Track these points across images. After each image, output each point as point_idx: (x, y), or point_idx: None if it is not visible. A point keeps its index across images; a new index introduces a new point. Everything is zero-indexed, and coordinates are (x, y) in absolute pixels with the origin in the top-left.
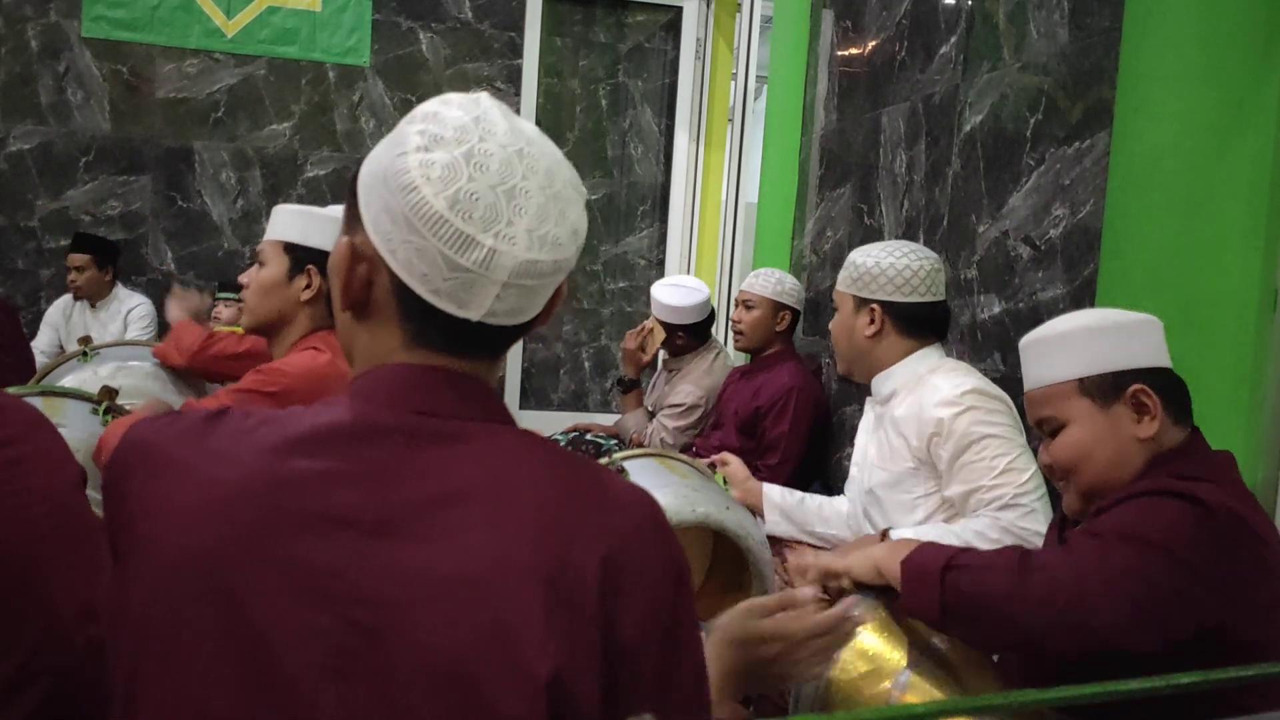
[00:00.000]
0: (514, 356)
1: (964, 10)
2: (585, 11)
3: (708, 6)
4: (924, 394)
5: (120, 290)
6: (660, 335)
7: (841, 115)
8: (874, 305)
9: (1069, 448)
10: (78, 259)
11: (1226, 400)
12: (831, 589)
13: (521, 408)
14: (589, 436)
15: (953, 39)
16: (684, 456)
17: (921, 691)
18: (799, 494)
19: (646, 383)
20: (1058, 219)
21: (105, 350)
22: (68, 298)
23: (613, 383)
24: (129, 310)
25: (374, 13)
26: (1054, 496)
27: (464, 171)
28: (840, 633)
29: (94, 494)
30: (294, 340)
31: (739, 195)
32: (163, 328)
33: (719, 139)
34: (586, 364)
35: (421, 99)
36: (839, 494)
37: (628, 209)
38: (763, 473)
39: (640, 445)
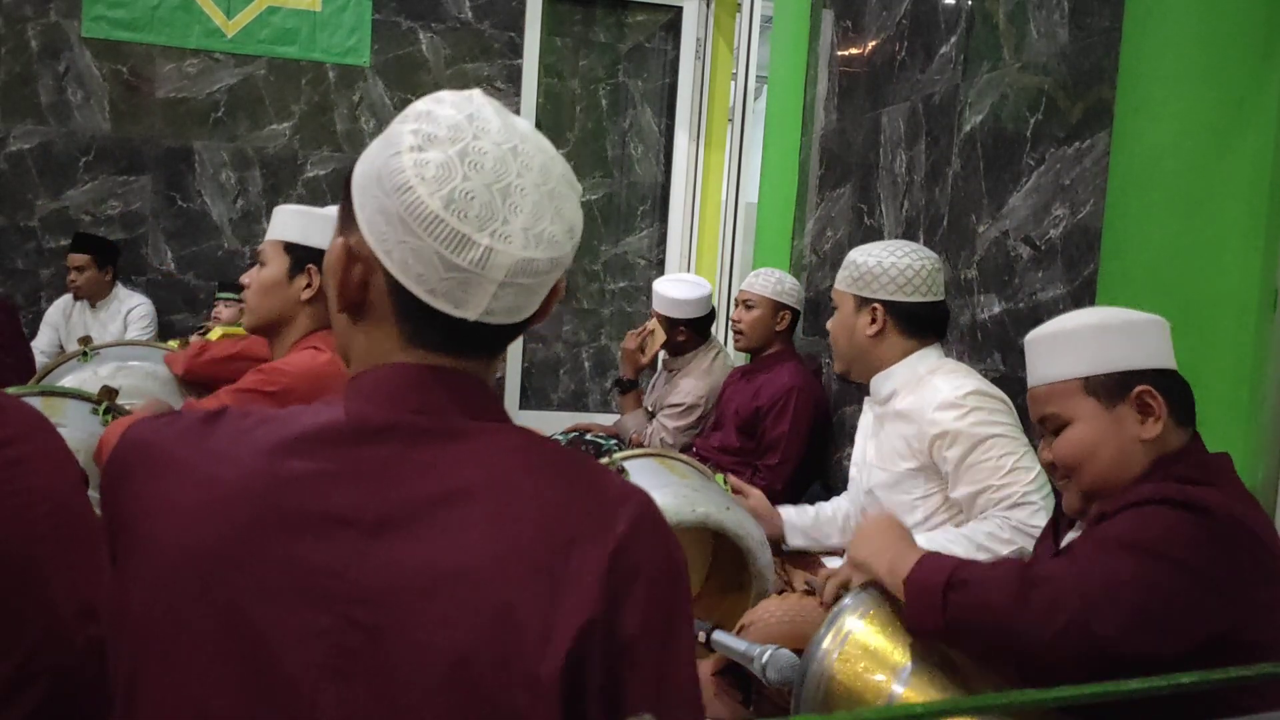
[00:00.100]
0: (514, 356)
1: (964, 10)
2: (585, 11)
3: (708, 6)
4: (924, 395)
5: (120, 290)
6: (660, 337)
7: (841, 115)
8: (876, 305)
9: (1072, 446)
10: (78, 259)
11: (1226, 400)
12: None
13: (521, 408)
14: (589, 436)
15: (953, 39)
16: (684, 456)
17: (923, 689)
18: (811, 510)
19: (646, 383)
20: (1058, 219)
21: (105, 350)
22: (68, 298)
23: (612, 383)
24: (129, 310)
25: (374, 13)
26: (1055, 496)
27: (459, 170)
28: None
29: (94, 494)
30: (295, 340)
31: (739, 195)
32: (163, 328)
33: (719, 139)
34: (586, 364)
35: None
36: (839, 493)
37: (628, 209)
38: (762, 473)
39: (640, 445)
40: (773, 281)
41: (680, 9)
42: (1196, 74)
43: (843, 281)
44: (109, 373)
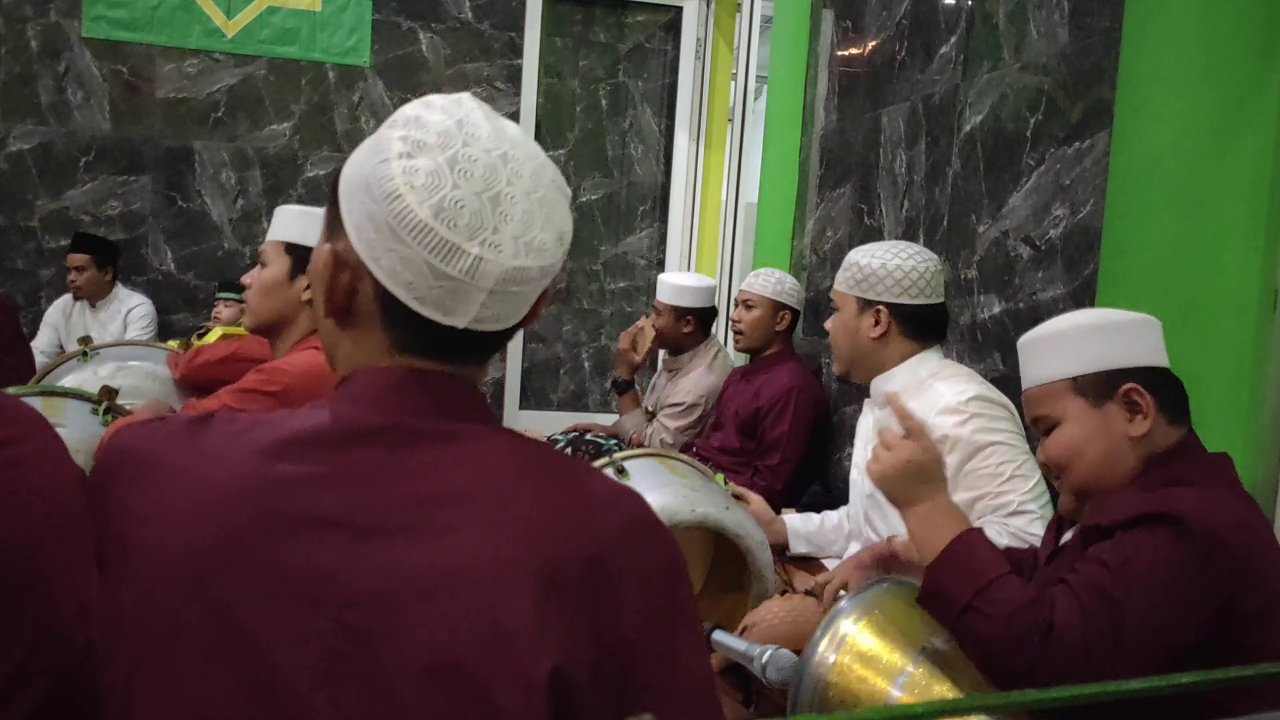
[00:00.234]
0: (514, 356)
1: (964, 10)
2: (585, 11)
3: (708, 6)
4: (926, 400)
5: (120, 290)
6: (650, 333)
7: (841, 115)
8: (880, 307)
9: (1061, 446)
10: (78, 259)
11: (1226, 400)
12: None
13: (521, 408)
14: (589, 436)
15: (953, 39)
16: (684, 456)
17: (920, 691)
18: (816, 518)
19: (646, 383)
20: (1058, 219)
21: (105, 350)
22: (68, 298)
23: (609, 384)
24: (129, 310)
25: (374, 13)
26: (1053, 497)
27: (448, 179)
28: None
29: None
30: (295, 340)
31: (739, 195)
32: (163, 328)
33: (719, 139)
34: (586, 364)
35: None
36: (839, 493)
37: (628, 209)
38: (762, 473)
39: (640, 445)
40: (773, 281)
41: (680, 9)
42: (1196, 74)
43: (844, 283)
44: (109, 373)
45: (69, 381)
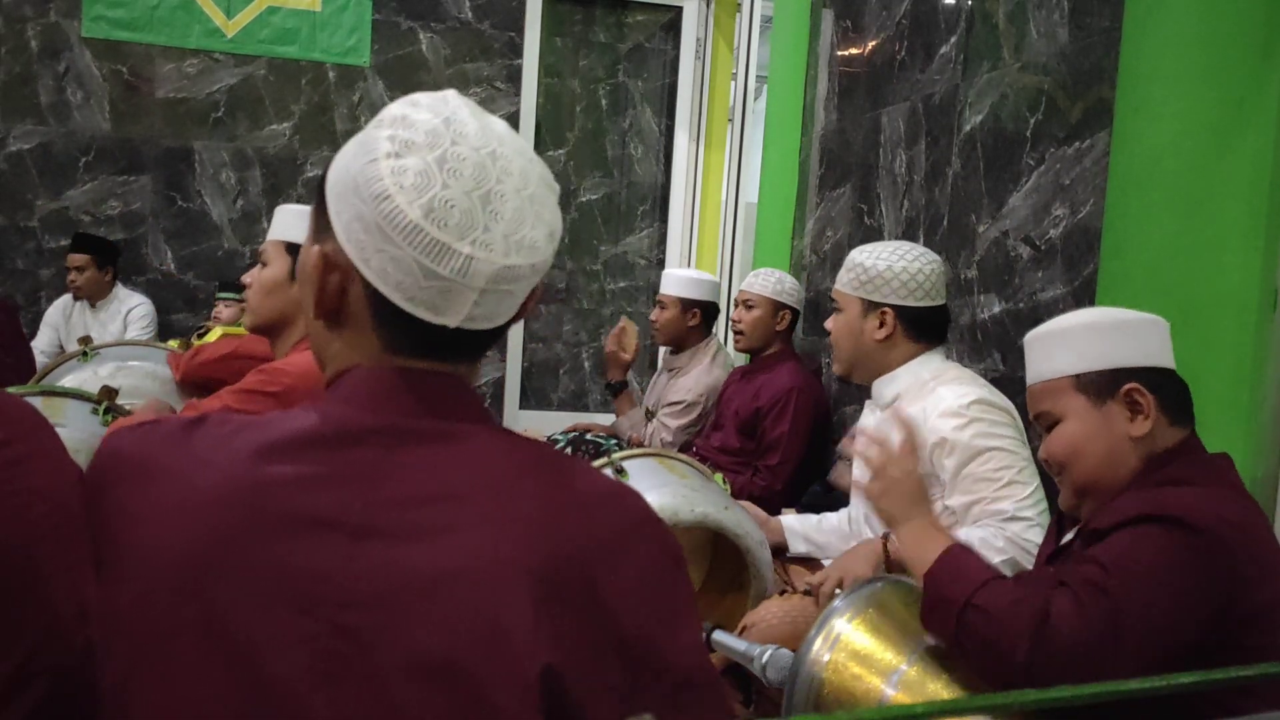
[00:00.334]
0: (514, 356)
1: (964, 10)
2: (585, 11)
3: (708, 6)
4: (928, 403)
5: (120, 290)
6: (634, 329)
7: (841, 115)
8: (886, 309)
9: (1062, 442)
10: (78, 259)
11: (1226, 400)
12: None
13: (521, 408)
14: (589, 436)
15: (953, 39)
16: (684, 456)
17: (916, 691)
18: (814, 517)
19: (645, 382)
20: (1058, 219)
21: (105, 350)
22: (68, 298)
23: (604, 387)
24: (129, 310)
25: (374, 13)
26: (1051, 499)
27: (438, 178)
28: None
29: None
30: (296, 340)
31: (739, 195)
32: (163, 328)
33: (719, 139)
34: (586, 364)
35: None
36: (839, 494)
37: (628, 209)
38: (762, 473)
39: (639, 445)
40: (772, 281)
41: (680, 9)
42: (1196, 74)
43: (848, 284)
44: (109, 373)
45: (69, 381)
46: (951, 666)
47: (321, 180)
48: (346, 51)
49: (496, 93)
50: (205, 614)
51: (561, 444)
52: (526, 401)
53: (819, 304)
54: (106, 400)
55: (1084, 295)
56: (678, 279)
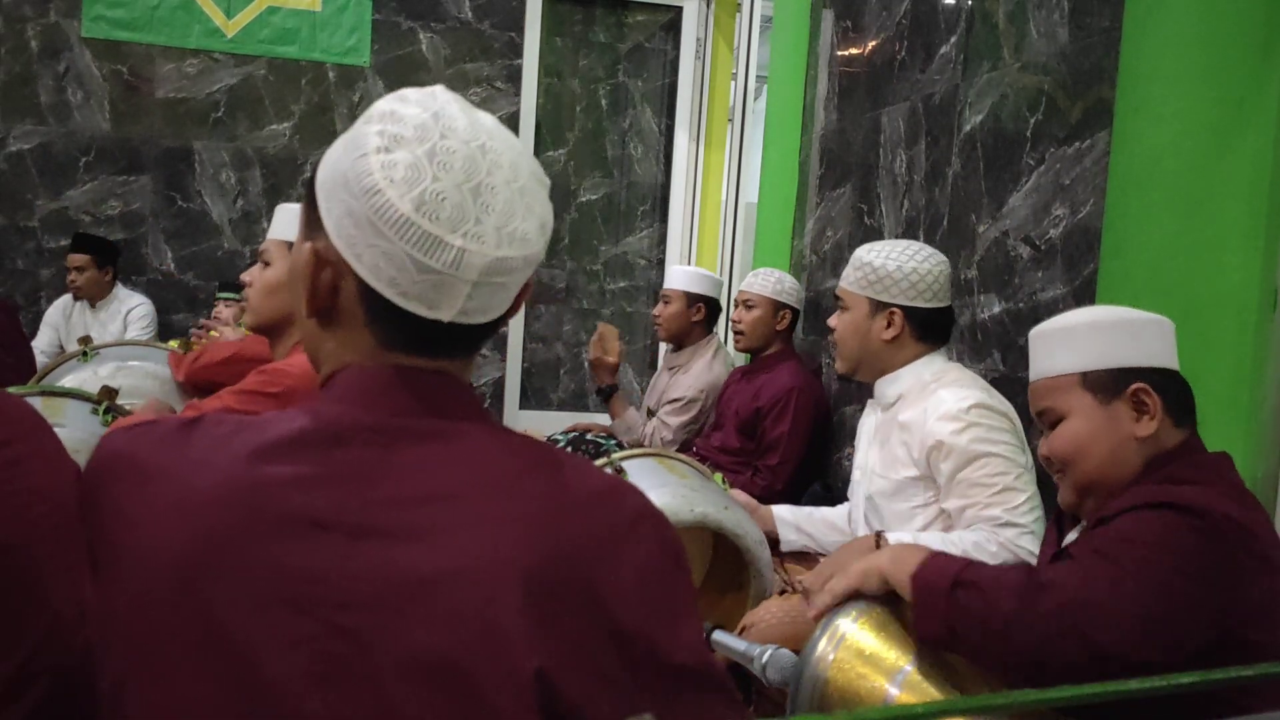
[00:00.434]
0: (514, 356)
1: (964, 10)
2: (585, 11)
3: (708, 6)
4: (929, 405)
5: (120, 290)
6: (614, 331)
7: (841, 115)
8: (894, 310)
9: (1066, 440)
10: (77, 259)
11: (1226, 400)
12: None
13: (521, 408)
14: (589, 436)
15: (953, 39)
16: (683, 456)
17: (920, 690)
18: (806, 509)
19: (645, 382)
20: (1058, 219)
21: (105, 350)
22: (68, 298)
23: (595, 392)
24: (129, 310)
25: (374, 13)
26: (1049, 501)
27: (428, 171)
28: None
29: None
30: (297, 340)
31: (739, 195)
32: (163, 328)
33: (719, 139)
34: (586, 364)
35: None
36: (839, 493)
37: (628, 209)
38: (762, 473)
39: (639, 445)
40: (772, 281)
41: (680, 9)
42: (1196, 74)
43: (855, 283)
44: (109, 373)
45: (69, 381)
46: (957, 667)
47: (311, 178)
48: (346, 51)
49: (496, 93)
50: (202, 615)
51: (562, 444)
52: (526, 401)
53: (819, 304)
54: (106, 400)
55: (1084, 295)
56: (684, 274)
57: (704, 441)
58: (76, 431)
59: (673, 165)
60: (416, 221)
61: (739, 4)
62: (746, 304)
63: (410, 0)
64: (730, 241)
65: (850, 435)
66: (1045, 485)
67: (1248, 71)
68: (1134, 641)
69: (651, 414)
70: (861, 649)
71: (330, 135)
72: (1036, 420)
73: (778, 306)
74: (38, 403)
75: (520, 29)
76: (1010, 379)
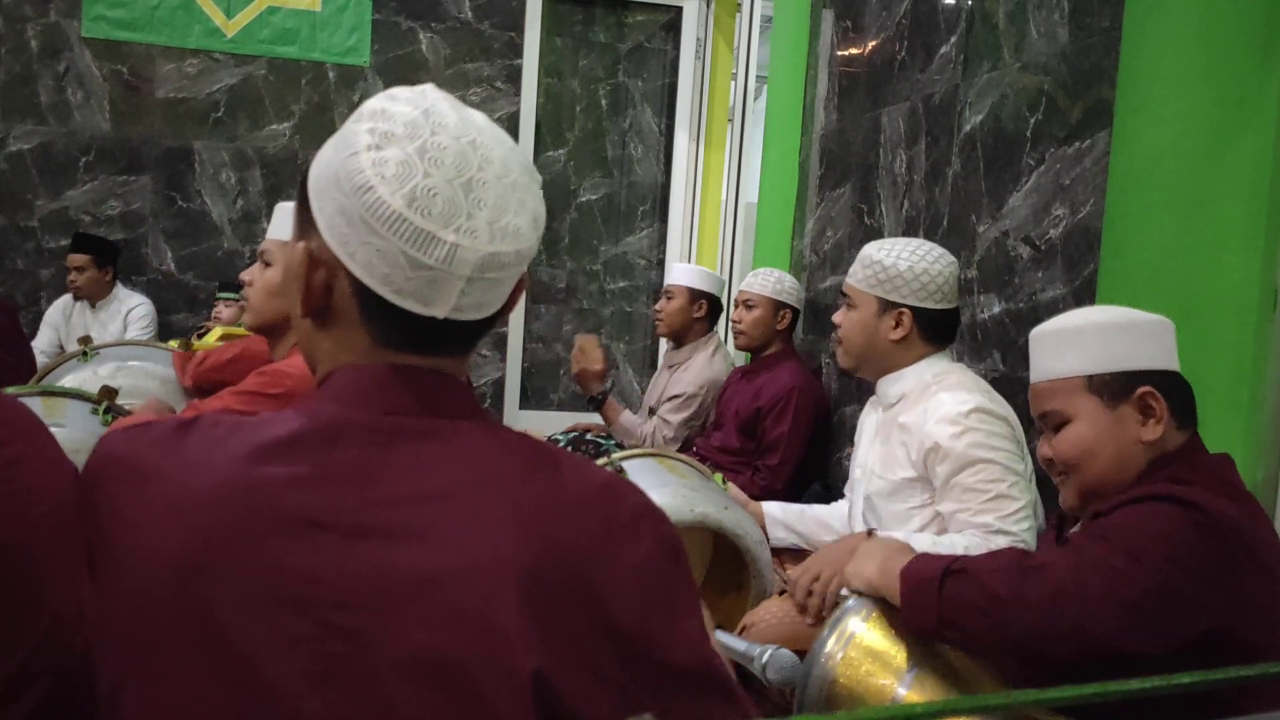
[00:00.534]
0: (514, 356)
1: (964, 10)
2: (585, 11)
3: (708, 6)
4: (929, 407)
5: (120, 290)
6: (594, 339)
7: (841, 115)
8: (903, 310)
9: (1072, 444)
10: (78, 259)
11: (1226, 400)
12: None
13: (521, 408)
14: (589, 436)
15: (953, 39)
16: (683, 456)
17: (927, 690)
18: (797, 507)
19: (645, 382)
20: (1058, 219)
21: (105, 350)
22: (68, 298)
23: (587, 402)
24: (129, 310)
25: (374, 13)
26: (1049, 502)
27: (419, 167)
28: None
29: None
30: (296, 341)
31: (739, 195)
32: (163, 328)
33: (719, 139)
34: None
35: None
36: (839, 493)
37: (628, 209)
38: (763, 473)
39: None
40: (772, 281)
41: (680, 9)
42: (1196, 74)
43: (864, 281)
44: (109, 373)
45: (69, 381)
46: (965, 667)
47: (303, 178)
48: (346, 51)
49: (496, 93)
50: (200, 615)
51: (562, 444)
52: (526, 401)
53: (819, 304)
54: (106, 400)
55: (1084, 295)
56: (687, 270)
57: (704, 441)
58: (76, 431)
59: (673, 165)
60: (409, 217)
61: (739, 4)
62: (747, 304)
63: (410, 0)
64: (730, 241)
65: (850, 435)
66: (1045, 486)
67: (1248, 71)
68: (1122, 627)
69: (652, 412)
70: (870, 648)
71: (330, 135)
72: (1038, 422)
73: (778, 306)
74: (38, 403)
75: (520, 29)
76: (1010, 379)
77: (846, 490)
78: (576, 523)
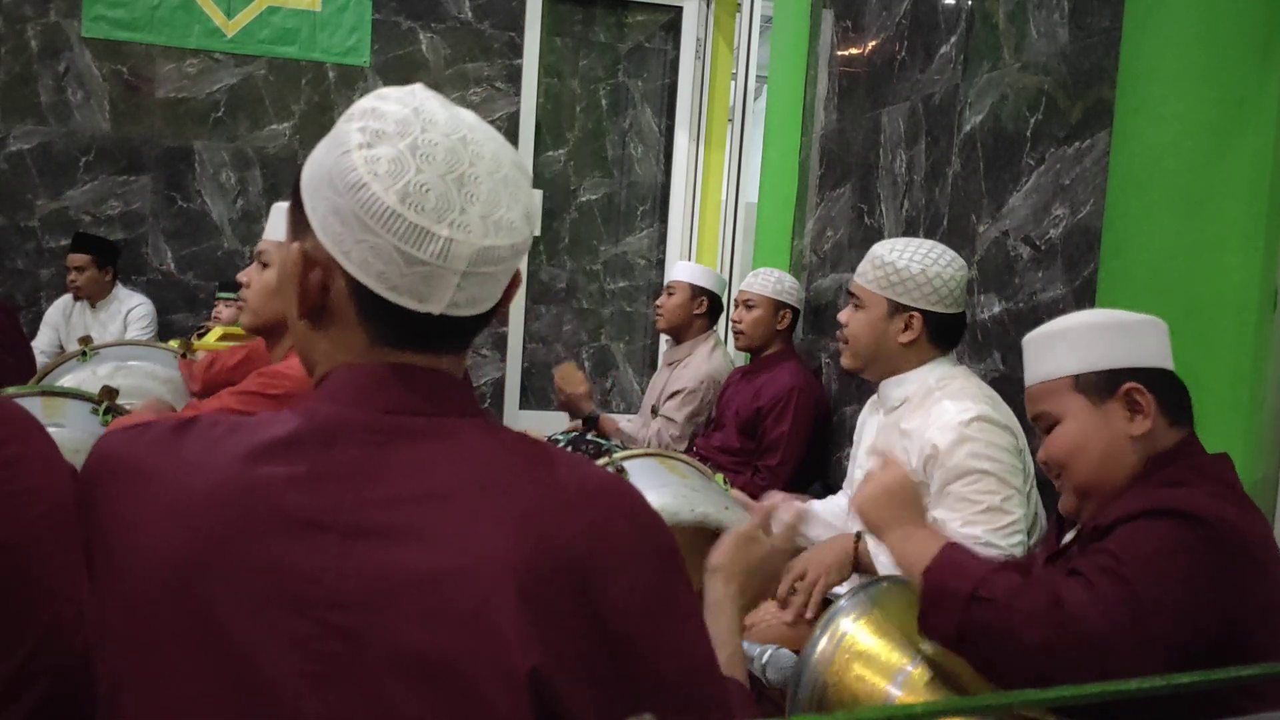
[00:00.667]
0: (514, 356)
1: (964, 10)
2: (585, 11)
3: (708, 6)
4: (931, 413)
5: (120, 290)
6: (572, 365)
7: (841, 115)
8: (914, 314)
9: (1061, 443)
10: (78, 259)
11: (1226, 400)
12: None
13: (521, 408)
14: (589, 436)
15: (953, 39)
16: (684, 456)
17: (920, 691)
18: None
19: (644, 383)
20: (1058, 219)
21: (105, 350)
22: (68, 298)
23: (582, 422)
24: (129, 310)
25: (374, 13)
26: (1051, 504)
27: (411, 164)
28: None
29: None
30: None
31: (739, 195)
32: (163, 328)
33: (719, 139)
34: (587, 364)
35: None
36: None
37: (628, 209)
38: (763, 473)
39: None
40: (772, 281)
41: (680, 9)
42: (1196, 74)
43: (874, 281)
44: (108, 373)
45: (68, 381)
46: (957, 667)
47: (296, 180)
48: (346, 51)
49: (496, 93)
50: (199, 616)
51: (562, 444)
52: (526, 401)
53: (819, 304)
54: (106, 400)
55: (1084, 295)
56: (690, 267)
57: (704, 441)
58: (76, 431)
59: (673, 165)
60: (402, 213)
61: (739, 4)
62: (747, 304)
63: (410, 0)
64: (730, 241)
65: (850, 435)
66: (1046, 488)
67: (1248, 71)
68: (1155, 670)
69: (655, 412)
70: (862, 650)
71: None
72: (1034, 424)
73: (778, 306)
74: (38, 403)
75: (520, 29)
76: (1010, 379)
77: (846, 487)
78: (574, 523)
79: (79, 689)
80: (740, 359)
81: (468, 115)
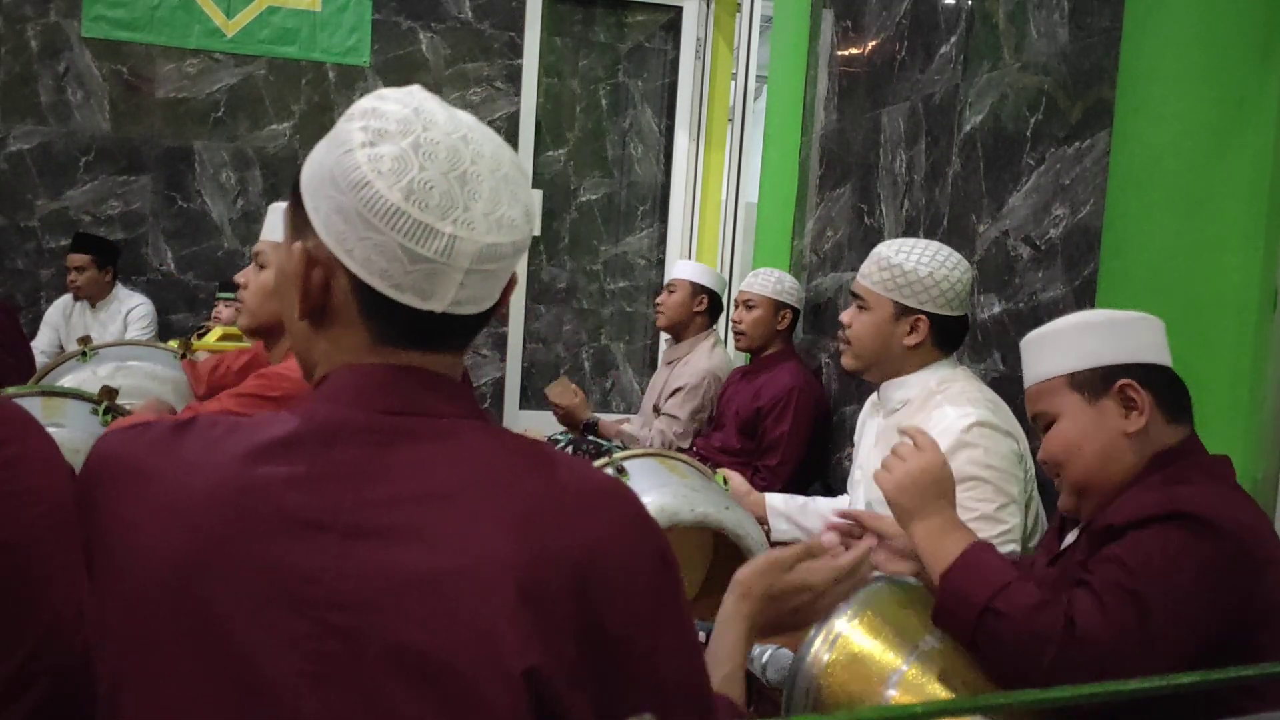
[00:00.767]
0: (514, 356)
1: (964, 10)
2: (585, 11)
3: (708, 6)
4: (931, 417)
5: (120, 290)
6: (564, 380)
7: (841, 115)
8: (921, 317)
9: (1058, 441)
10: (78, 259)
11: (1226, 400)
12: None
13: (521, 408)
14: (589, 436)
15: (953, 39)
16: (684, 456)
17: (916, 692)
18: (801, 499)
19: (644, 383)
20: (1058, 219)
21: (105, 350)
22: (68, 298)
23: (582, 430)
24: (129, 310)
25: (374, 13)
26: (1051, 504)
27: (414, 162)
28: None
29: None
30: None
31: (739, 195)
32: (163, 328)
33: (719, 139)
34: (586, 364)
35: None
36: (840, 493)
37: (628, 209)
38: (763, 473)
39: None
40: (772, 281)
41: (680, 9)
42: (1196, 74)
43: (880, 283)
44: (108, 373)
45: (68, 381)
46: (952, 667)
47: (295, 181)
48: (346, 51)
49: (496, 93)
50: (199, 616)
51: (562, 444)
52: (526, 401)
53: (819, 304)
54: (106, 400)
55: (1084, 295)
56: (690, 265)
57: (704, 441)
58: (76, 432)
59: (673, 165)
60: (406, 210)
61: (739, 4)
62: (747, 304)
63: (410, 0)
64: (730, 241)
65: (850, 435)
66: (1046, 489)
67: (1248, 71)
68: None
69: (657, 411)
70: (857, 650)
71: None
72: (1033, 424)
73: (778, 306)
74: (38, 403)
75: (520, 29)
76: (1010, 379)
77: (849, 487)
78: (572, 525)
79: (79, 689)
80: (740, 359)
81: (465, 116)
